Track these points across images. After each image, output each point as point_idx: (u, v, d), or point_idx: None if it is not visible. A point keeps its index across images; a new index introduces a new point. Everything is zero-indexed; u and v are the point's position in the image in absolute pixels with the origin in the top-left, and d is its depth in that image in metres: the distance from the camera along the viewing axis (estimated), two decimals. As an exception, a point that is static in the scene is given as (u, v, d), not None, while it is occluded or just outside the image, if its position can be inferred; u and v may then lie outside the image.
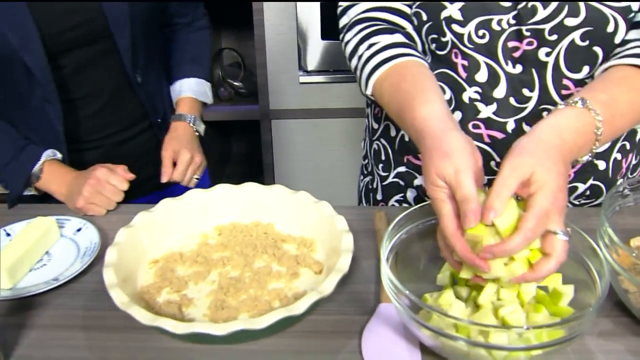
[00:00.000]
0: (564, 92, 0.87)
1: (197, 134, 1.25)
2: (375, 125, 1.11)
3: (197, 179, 1.22)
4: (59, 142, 1.10)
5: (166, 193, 1.19)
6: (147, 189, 1.25)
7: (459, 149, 0.69)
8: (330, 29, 2.07)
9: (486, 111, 0.91)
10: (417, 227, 0.80)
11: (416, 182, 1.05)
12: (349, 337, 0.74)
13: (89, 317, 0.80)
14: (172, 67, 1.31)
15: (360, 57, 0.90)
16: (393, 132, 1.05)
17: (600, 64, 0.84)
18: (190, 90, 1.27)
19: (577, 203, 0.93)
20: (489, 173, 0.85)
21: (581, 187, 0.97)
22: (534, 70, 0.87)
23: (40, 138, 1.10)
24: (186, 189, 1.05)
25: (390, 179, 1.09)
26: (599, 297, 0.66)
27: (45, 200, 1.10)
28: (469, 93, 0.91)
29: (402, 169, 1.06)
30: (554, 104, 0.88)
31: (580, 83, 0.86)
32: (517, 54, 0.86)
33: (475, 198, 0.66)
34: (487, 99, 0.90)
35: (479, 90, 0.90)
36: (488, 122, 0.92)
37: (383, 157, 1.09)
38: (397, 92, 0.82)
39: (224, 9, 2.32)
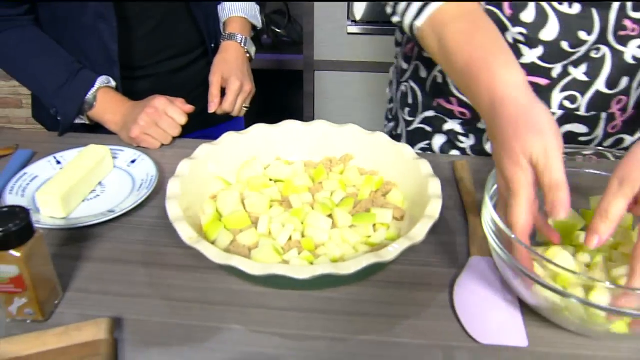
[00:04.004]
0: (620, 32, 0.78)
1: (248, 56, 1.16)
2: (405, 66, 1.02)
3: (246, 108, 1.15)
4: (112, 64, 1.02)
5: (212, 131, 1.12)
6: (195, 125, 1.17)
7: (550, 126, 0.59)
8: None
9: (530, 55, 0.81)
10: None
11: (446, 126, 0.98)
12: (438, 291, 0.67)
13: (148, 253, 0.73)
14: None
15: None
16: (423, 73, 0.97)
17: None
18: (241, 10, 1.17)
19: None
20: None
21: (628, 139, 0.88)
22: (594, 11, 0.77)
23: (91, 62, 1.02)
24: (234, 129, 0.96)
25: (415, 125, 1.02)
26: None
27: (96, 131, 1.03)
28: (512, 33, 0.81)
29: (430, 113, 0.99)
30: (607, 44, 0.79)
31: (639, 23, 0.77)
32: None
33: (566, 186, 0.57)
34: (532, 42, 0.80)
35: (523, 31, 0.80)
36: (531, 68, 0.82)
37: (410, 101, 1.02)
38: (469, 43, 0.70)
39: (271, -47, 2.22)
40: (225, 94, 1.10)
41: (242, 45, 1.14)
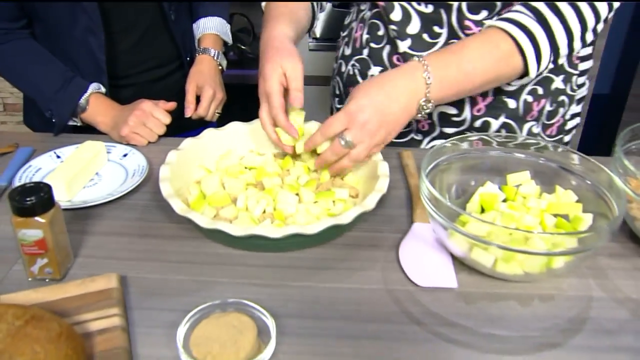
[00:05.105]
0: (467, 31, 0.99)
1: (220, 68, 1.31)
2: (334, 65, 1.24)
3: (218, 113, 1.29)
4: (100, 73, 1.15)
5: (188, 135, 1.25)
6: (172, 130, 1.31)
7: (295, 55, 0.92)
8: (341, -4, 2.14)
9: (402, 46, 1.03)
10: (450, 158, 0.87)
11: None
12: (387, 250, 0.82)
13: (144, 227, 0.86)
14: (195, 7, 1.36)
15: None
16: (343, 68, 1.19)
17: (500, 11, 0.95)
18: (214, 28, 1.33)
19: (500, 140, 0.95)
20: None
21: (494, 122, 1.06)
22: (442, 11, 0.99)
23: (81, 71, 1.15)
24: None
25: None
26: (616, 216, 0.74)
27: (86, 131, 1.15)
28: (390, 30, 1.04)
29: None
30: (460, 38, 0.99)
31: (479, 24, 0.98)
32: None
33: (301, 89, 0.91)
34: (402, 35, 1.03)
35: (395, 28, 1.03)
36: (405, 56, 1.04)
37: (337, 91, 1.24)
38: (269, 14, 1.03)
39: (236, -26, 2.37)
40: (200, 100, 1.24)
41: (215, 58, 1.29)
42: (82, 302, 0.68)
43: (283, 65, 0.90)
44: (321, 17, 2.17)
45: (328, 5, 2.16)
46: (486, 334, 0.69)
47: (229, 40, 1.37)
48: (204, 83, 1.23)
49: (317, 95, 2.32)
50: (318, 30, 2.22)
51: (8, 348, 0.54)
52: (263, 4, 1.08)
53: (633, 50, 2.72)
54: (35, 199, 0.69)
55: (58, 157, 1.01)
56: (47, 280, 0.75)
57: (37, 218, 0.70)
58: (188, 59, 1.32)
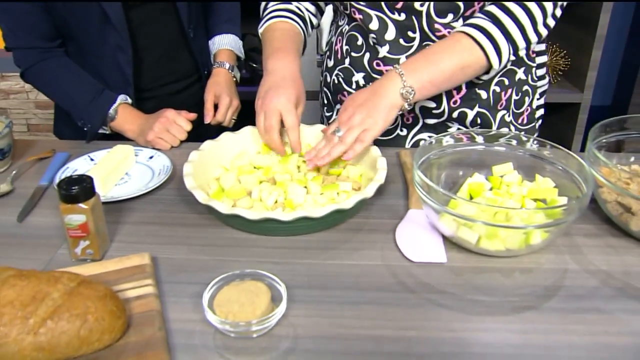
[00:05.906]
0: (437, 33, 1.11)
1: (234, 79, 1.44)
2: (321, 78, 1.38)
3: (234, 119, 1.41)
4: (127, 86, 1.28)
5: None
6: (192, 137, 1.43)
7: (291, 96, 1.10)
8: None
9: (382, 51, 1.16)
10: (440, 152, 0.98)
11: None
12: (386, 234, 0.92)
13: (170, 217, 0.97)
14: (211, 26, 1.50)
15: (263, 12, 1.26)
16: (329, 79, 1.32)
17: (463, 12, 1.08)
18: (228, 44, 1.47)
19: (479, 132, 1.05)
20: None
21: (470, 113, 1.19)
22: (413, 17, 1.11)
23: (109, 85, 1.28)
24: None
25: (333, 117, 1.36)
26: (584, 193, 0.84)
27: (114, 139, 1.27)
28: (370, 38, 1.17)
29: (338, 106, 1.33)
30: (433, 41, 1.12)
31: (447, 26, 1.10)
32: (398, 6, 1.10)
33: (297, 127, 1.08)
34: (380, 42, 1.15)
35: (374, 36, 1.15)
36: (385, 60, 1.17)
37: (325, 101, 1.37)
38: (266, 45, 1.18)
39: (248, -5, 2.50)
40: (218, 108, 1.36)
41: (230, 71, 1.42)
42: (120, 275, 0.79)
43: (277, 103, 1.07)
44: (327, 34, 2.30)
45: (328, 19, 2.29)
46: (471, 300, 0.79)
47: (242, 54, 1.50)
48: (221, 92, 1.35)
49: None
50: (324, 46, 2.34)
51: (65, 303, 0.65)
52: (260, 31, 1.22)
53: (632, 60, 2.82)
54: (79, 188, 0.81)
55: (92, 160, 1.13)
56: (88, 260, 0.86)
57: (80, 204, 0.81)
58: (205, 72, 1.44)
